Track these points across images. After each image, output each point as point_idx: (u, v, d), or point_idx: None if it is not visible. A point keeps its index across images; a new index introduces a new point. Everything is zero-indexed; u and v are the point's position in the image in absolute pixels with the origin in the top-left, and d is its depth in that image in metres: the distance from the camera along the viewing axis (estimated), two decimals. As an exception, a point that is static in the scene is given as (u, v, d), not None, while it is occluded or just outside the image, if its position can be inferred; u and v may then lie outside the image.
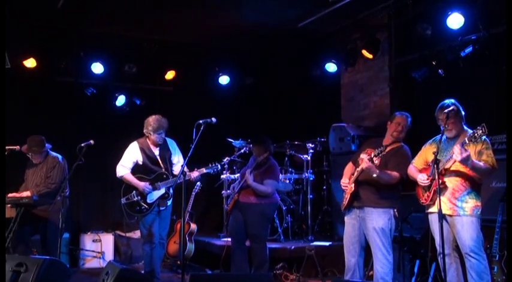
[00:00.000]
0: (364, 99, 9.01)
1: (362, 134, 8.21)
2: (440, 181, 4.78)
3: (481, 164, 4.78)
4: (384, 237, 5.32)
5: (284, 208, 8.04)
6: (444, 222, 4.75)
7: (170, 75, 9.41)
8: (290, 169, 8.62)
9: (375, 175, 5.13)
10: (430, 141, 5.30)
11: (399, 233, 6.06)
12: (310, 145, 8.38)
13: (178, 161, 6.50)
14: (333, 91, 9.41)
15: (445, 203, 4.82)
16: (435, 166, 4.81)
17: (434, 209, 4.95)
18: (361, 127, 8.47)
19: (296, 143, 8.63)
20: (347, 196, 5.47)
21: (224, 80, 9.71)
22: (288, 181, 8.47)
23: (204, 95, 9.71)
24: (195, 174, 6.22)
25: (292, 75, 9.90)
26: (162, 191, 6.30)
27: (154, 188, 6.29)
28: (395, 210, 5.43)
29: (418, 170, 5.21)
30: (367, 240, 5.45)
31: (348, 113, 9.14)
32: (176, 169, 6.43)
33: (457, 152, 4.65)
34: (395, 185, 5.43)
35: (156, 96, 9.45)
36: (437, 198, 4.71)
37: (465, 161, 4.66)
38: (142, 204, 6.25)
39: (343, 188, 5.53)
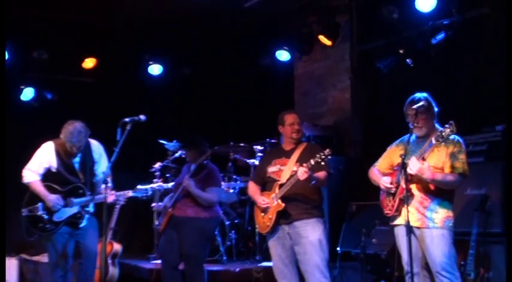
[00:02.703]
0: (321, 93, 9.15)
1: (319, 135, 8.33)
2: (406, 188, 4.90)
3: (446, 177, 4.90)
4: (322, 251, 5.47)
5: (227, 223, 8.05)
6: (412, 236, 4.85)
7: (90, 63, 9.29)
8: (234, 176, 8.63)
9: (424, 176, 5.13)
10: (397, 141, 5.39)
11: (361, 250, 6.19)
12: (258, 148, 8.41)
13: (103, 172, 6.31)
14: (285, 83, 9.51)
15: (412, 214, 4.90)
16: (402, 171, 4.91)
17: (400, 220, 5.05)
18: (317, 126, 8.58)
19: (242, 145, 8.66)
20: (272, 216, 5.56)
21: (156, 69, 9.66)
22: (232, 190, 8.48)
23: (132, 87, 9.64)
24: (110, 198, 5.91)
25: (237, 64, 9.94)
26: (75, 209, 6.09)
27: (66, 205, 6.00)
28: (324, 219, 5.68)
29: (381, 173, 5.33)
30: (299, 260, 5.58)
31: (302, 110, 9.24)
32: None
33: (411, 165, 4.82)
34: (319, 191, 5.68)
35: (72, 89, 9.31)
36: (404, 208, 4.83)
37: (421, 174, 4.82)
38: (47, 221, 5.96)
39: (263, 207, 5.62)
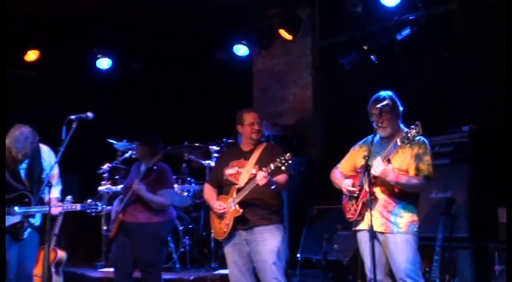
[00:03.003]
0: (281, 90, 9.18)
1: (279, 134, 8.36)
2: (370, 192, 4.94)
3: (410, 180, 4.95)
4: (279, 259, 5.48)
5: (181, 228, 8.01)
6: (376, 242, 4.89)
7: (32, 56, 9.14)
8: (189, 178, 8.59)
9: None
10: (361, 142, 5.42)
11: (322, 256, 6.23)
12: (215, 148, 8.38)
13: (46, 173, 6.17)
14: (243, 80, 9.53)
15: (376, 218, 4.93)
16: (366, 173, 4.93)
17: (363, 225, 5.07)
18: (277, 125, 8.61)
19: (196, 145, 8.62)
20: (229, 222, 5.54)
21: (104, 63, 9.55)
22: (186, 193, 8.45)
23: (78, 82, 9.52)
24: (55, 211, 5.84)
25: (192, 59, 9.90)
26: (16, 219, 5.96)
27: (8, 213, 5.79)
28: (284, 225, 5.68)
29: (344, 176, 5.35)
30: (256, 268, 5.58)
31: (261, 108, 9.26)
32: (52, 190, 6.06)
33: (376, 166, 4.86)
34: (279, 195, 5.68)
35: (12, 83, 9.11)
36: (368, 213, 4.87)
37: (385, 176, 4.87)
38: None
39: (220, 212, 5.61)
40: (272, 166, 5.20)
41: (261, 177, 5.20)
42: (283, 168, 5.21)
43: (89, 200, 6.03)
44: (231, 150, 6.28)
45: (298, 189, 7.70)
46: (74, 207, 6.00)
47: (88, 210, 6.01)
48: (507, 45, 5.28)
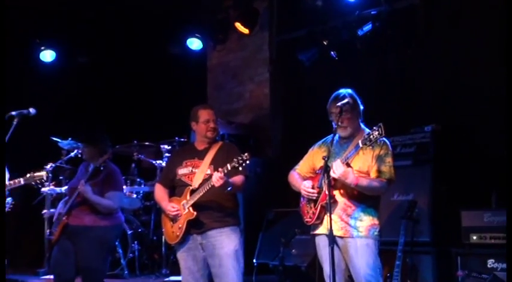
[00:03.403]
0: (237, 87, 9.20)
1: (234, 133, 8.36)
2: (329, 194, 4.96)
3: (371, 183, 4.99)
4: (238, 263, 5.49)
5: (129, 232, 7.96)
6: (335, 247, 4.88)
7: (-32, 47, 8.97)
8: (138, 179, 8.57)
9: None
10: (320, 142, 5.44)
11: (280, 262, 6.25)
12: (166, 147, 8.37)
13: None
14: (196, 75, 9.50)
15: (335, 222, 4.94)
16: (325, 175, 4.96)
17: (322, 229, 5.09)
18: (233, 124, 8.61)
19: (147, 144, 8.60)
20: (182, 225, 5.52)
21: (48, 56, 9.43)
22: (135, 195, 8.42)
23: (19, 76, 9.37)
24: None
25: (143, 53, 9.82)
26: None
27: None
28: (241, 228, 5.70)
29: (302, 178, 5.37)
30: (213, 274, 5.58)
31: (216, 105, 9.21)
32: None
33: (335, 168, 4.90)
34: (235, 197, 5.69)
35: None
36: (327, 216, 4.89)
37: (344, 179, 4.91)
38: None
39: (173, 215, 5.59)
40: (229, 166, 5.20)
41: (217, 178, 5.19)
42: (240, 168, 5.22)
43: (31, 174, 5.93)
44: (184, 148, 6.26)
45: (255, 191, 7.70)
46: (16, 182, 5.92)
47: (33, 183, 5.93)
48: (506, 44, 5.37)
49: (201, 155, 5.65)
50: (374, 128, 4.77)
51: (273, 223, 7.60)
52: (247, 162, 5.19)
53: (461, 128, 6.78)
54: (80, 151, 8.04)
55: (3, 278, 4.71)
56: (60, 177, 8.51)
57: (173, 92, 9.74)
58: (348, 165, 4.93)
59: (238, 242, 5.56)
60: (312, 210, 5.16)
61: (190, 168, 5.62)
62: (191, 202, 5.44)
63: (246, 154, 5.19)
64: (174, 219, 5.58)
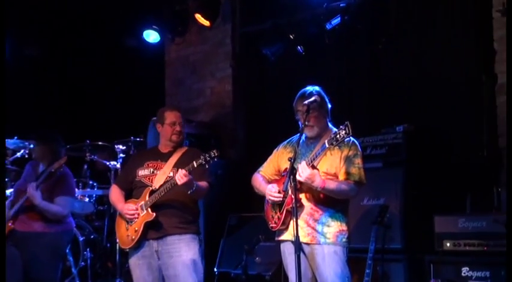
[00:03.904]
0: (197, 83, 9.18)
1: (194, 133, 8.32)
2: (295, 198, 4.96)
3: (340, 186, 5.00)
4: (196, 274, 5.49)
5: (81, 239, 7.90)
6: (301, 254, 4.89)
7: None
8: (91, 182, 8.53)
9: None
10: (285, 142, 5.45)
11: (242, 271, 6.25)
12: (121, 147, 8.36)
13: None
14: (154, 71, 9.46)
15: (301, 228, 4.94)
16: (291, 178, 4.97)
17: (287, 235, 5.11)
18: (192, 123, 8.57)
19: (100, 144, 8.56)
20: (138, 228, 5.50)
21: (-8, 48, 9.31)
22: (87, 199, 8.36)
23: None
24: None
25: (96, 46, 9.76)
26: None
27: None
28: (200, 238, 5.69)
29: (267, 180, 5.38)
30: None
31: (174, 102, 9.23)
32: None
33: (301, 170, 4.90)
34: (197, 203, 5.71)
35: None
36: (293, 221, 4.90)
37: (311, 182, 4.92)
38: None
39: (129, 216, 5.57)
40: (195, 163, 5.21)
41: (181, 175, 5.17)
42: (207, 166, 5.25)
43: None
44: (146, 150, 6.31)
45: (215, 194, 7.60)
46: None
47: None
48: (508, 44, 5.44)
49: (165, 157, 5.65)
50: (341, 127, 4.77)
51: (235, 229, 7.60)
52: (215, 159, 5.20)
53: (435, 129, 6.86)
54: (27, 151, 7.96)
55: (3, 278, 4.76)
56: (6, 179, 8.40)
57: (128, 87, 9.69)
58: (314, 167, 4.95)
59: (197, 251, 5.55)
60: (277, 215, 5.17)
61: (152, 170, 5.61)
62: (150, 203, 5.43)
63: (214, 150, 5.20)
64: (130, 221, 5.55)
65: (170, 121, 5.68)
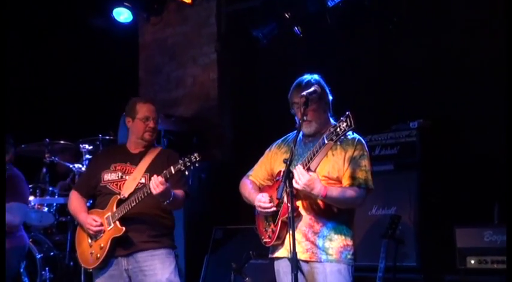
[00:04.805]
0: (177, 70, 9.16)
1: (174, 130, 8.32)
2: (292, 207, 4.91)
3: (345, 193, 4.93)
4: None
5: (38, 256, 7.85)
6: (299, 274, 4.86)
7: None
8: (51, 188, 8.47)
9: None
10: (279, 141, 5.41)
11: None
12: (87, 147, 8.34)
13: None
14: (125, 56, 9.44)
15: (299, 243, 4.91)
16: (287, 183, 4.91)
17: (283, 252, 5.06)
18: (171, 117, 8.58)
19: (62, 143, 8.53)
20: (104, 244, 5.47)
21: None
22: (46, 209, 8.31)
23: None
24: None
25: (56, 26, 9.72)
26: None
27: None
28: (176, 252, 5.67)
29: (257, 187, 5.34)
30: None
31: (150, 94, 9.23)
32: None
33: (297, 176, 4.82)
34: (171, 213, 5.68)
35: None
36: (289, 235, 4.84)
37: (310, 190, 4.85)
38: None
39: (94, 230, 5.53)
40: (173, 169, 5.14)
41: (157, 183, 5.12)
42: (186, 172, 5.19)
43: None
44: (113, 149, 6.21)
45: (198, 202, 7.68)
46: None
47: None
48: (508, 43, 5.40)
49: (135, 159, 5.60)
50: (341, 118, 4.66)
51: (221, 243, 7.60)
52: (197, 164, 5.13)
53: (456, 125, 6.82)
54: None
55: (3, 278, 4.85)
56: None
57: (96, 76, 9.65)
58: (310, 169, 4.88)
59: (174, 270, 5.54)
60: (270, 228, 5.13)
61: (120, 174, 5.57)
62: (119, 215, 5.38)
63: (195, 154, 5.12)
64: (94, 236, 5.51)
65: (143, 116, 5.62)
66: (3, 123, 6.02)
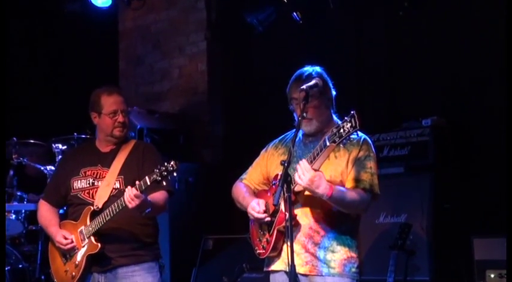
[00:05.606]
0: (161, 61, 9.19)
1: (158, 127, 8.35)
2: (290, 214, 4.93)
3: (347, 195, 4.92)
4: None
5: (6, 269, 7.83)
6: (298, 289, 4.96)
7: None
8: (19, 193, 8.51)
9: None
10: (276, 141, 5.44)
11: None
12: (60, 147, 8.38)
13: None
14: (104, 45, 9.46)
15: (298, 254, 4.95)
16: (284, 187, 4.93)
17: (279, 264, 5.10)
18: (155, 114, 8.60)
19: (32, 142, 8.59)
20: (80, 262, 5.47)
21: None
22: (13, 216, 8.34)
23: None
24: None
25: (26, 10, 9.73)
26: None
27: None
28: (161, 262, 5.69)
29: (252, 191, 5.36)
30: None
31: (131, 87, 9.26)
32: None
33: (301, 171, 4.78)
34: (154, 220, 5.69)
35: None
36: (286, 246, 4.87)
37: (315, 188, 4.86)
38: None
39: (66, 248, 5.50)
40: (148, 181, 5.10)
41: (132, 197, 5.10)
42: (164, 183, 5.14)
43: None
44: (80, 150, 6.20)
45: (185, 209, 7.71)
46: None
47: None
48: (507, 43, 5.44)
49: (106, 160, 5.57)
50: (345, 118, 4.62)
51: (211, 255, 7.61)
52: (174, 173, 5.10)
53: (473, 122, 6.85)
54: None
55: (3, 278, 4.79)
56: None
57: (70, 67, 9.67)
58: (314, 170, 4.90)
59: None
60: (265, 238, 5.14)
61: (91, 180, 5.53)
62: (94, 229, 5.38)
63: (172, 163, 5.05)
64: (67, 254, 5.52)
65: (109, 110, 5.55)
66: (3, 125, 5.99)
